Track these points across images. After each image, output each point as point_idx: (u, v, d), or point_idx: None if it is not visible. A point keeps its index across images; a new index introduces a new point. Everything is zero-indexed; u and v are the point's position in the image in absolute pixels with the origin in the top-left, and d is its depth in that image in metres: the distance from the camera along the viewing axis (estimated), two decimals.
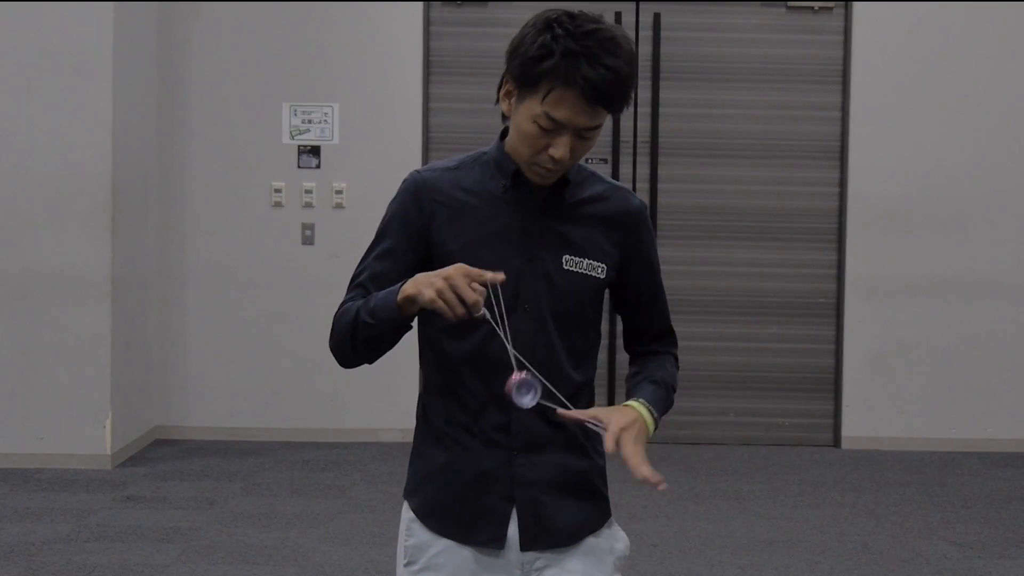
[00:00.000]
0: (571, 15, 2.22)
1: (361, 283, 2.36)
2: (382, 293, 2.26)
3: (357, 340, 2.29)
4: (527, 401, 2.18)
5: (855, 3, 7.71)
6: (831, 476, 7.06)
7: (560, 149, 2.23)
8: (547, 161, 2.26)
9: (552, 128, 2.23)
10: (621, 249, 2.41)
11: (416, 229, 2.35)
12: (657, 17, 7.77)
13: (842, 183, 7.81)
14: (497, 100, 2.33)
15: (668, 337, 2.54)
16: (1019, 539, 5.87)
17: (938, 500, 6.56)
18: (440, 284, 2.11)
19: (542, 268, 2.33)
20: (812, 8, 7.80)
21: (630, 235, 2.42)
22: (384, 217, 2.40)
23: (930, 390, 7.76)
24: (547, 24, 2.22)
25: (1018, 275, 7.73)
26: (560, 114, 2.21)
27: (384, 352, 2.33)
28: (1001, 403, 7.75)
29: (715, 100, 7.84)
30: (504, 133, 2.39)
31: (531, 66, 2.21)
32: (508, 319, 2.23)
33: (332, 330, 2.34)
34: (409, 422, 8.46)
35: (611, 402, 7.79)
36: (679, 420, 7.85)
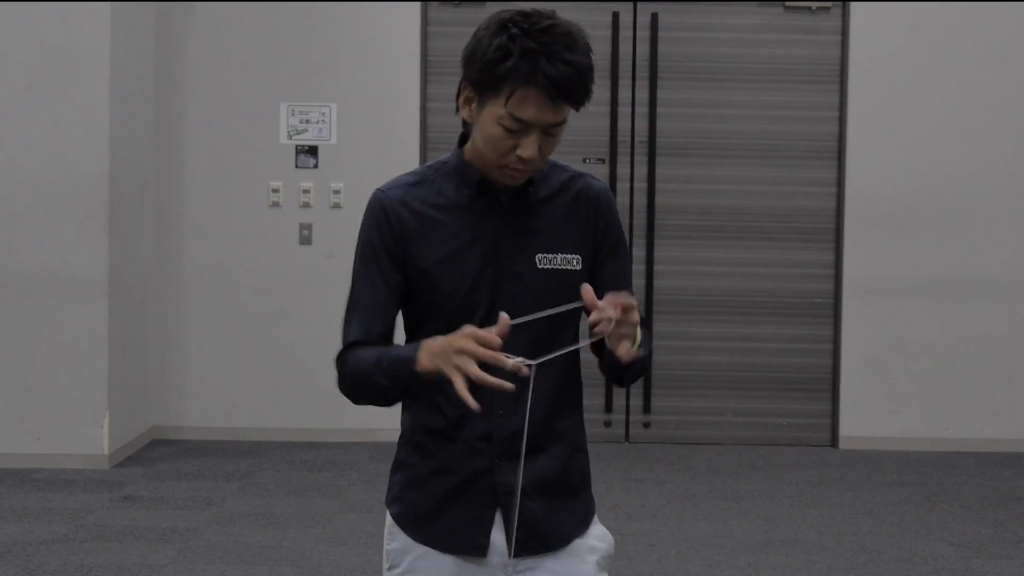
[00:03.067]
0: (524, 14, 2.21)
1: (361, 328, 2.33)
2: (395, 357, 2.22)
3: (376, 397, 2.30)
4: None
5: (852, 3, 7.71)
6: (829, 476, 7.06)
7: (528, 149, 2.22)
8: (516, 162, 2.24)
9: (518, 129, 2.21)
10: (592, 234, 2.38)
11: (392, 252, 2.33)
12: (655, 17, 7.77)
13: (839, 183, 7.81)
14: (457, 109, 2.30)
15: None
16: (1016, 539, 5.87)
17: (936, 500, 6.56)
18: (465, 366, 2.05)
19: (515, 272, 2.32)
20: (810, 8, 7.80)
21: (600, 220, 2.39)
22: (358, 246, 2.37)
23: (928, 390, 7.76)
24: (502, 25, 2.20)
25: (1015, 275, 7.73)
26: (525, 113, 2.19)
27: (403, 400, 2.36)
28: (998, 403, 7.75)
29: (713, 100, 7.83)
30: (462, 139, 2.37)
31: (490, 69, 2.19)
32: (484, 327, 2.17)
33: (344, 381, 2.33)
34: None
35: (609, 396, 7.79)
36: (677, 420, 7.86)
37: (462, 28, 7.76)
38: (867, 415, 7.75)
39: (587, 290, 2.13)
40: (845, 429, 7.75)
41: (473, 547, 2.35)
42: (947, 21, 7.69)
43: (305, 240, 7.73)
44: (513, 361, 2.06)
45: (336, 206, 7.70)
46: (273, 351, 7.73)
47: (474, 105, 2.26)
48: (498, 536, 2.35)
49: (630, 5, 7.78)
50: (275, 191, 7.71)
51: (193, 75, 7.72)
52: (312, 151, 7.73)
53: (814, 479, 6.99)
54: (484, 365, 2.05)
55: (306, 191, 7.71)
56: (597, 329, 2.12)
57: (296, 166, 7.73)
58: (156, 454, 7.35)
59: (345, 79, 7.71)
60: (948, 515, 6.26)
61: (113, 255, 6.90)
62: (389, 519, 2.44)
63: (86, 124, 6.80)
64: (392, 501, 2.44)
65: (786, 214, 7.85)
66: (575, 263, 2.35)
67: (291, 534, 5.76)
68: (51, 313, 6.86)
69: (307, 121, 7.72)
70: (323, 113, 7.71)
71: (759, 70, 7.83)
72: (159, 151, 7.69)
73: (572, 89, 2.18)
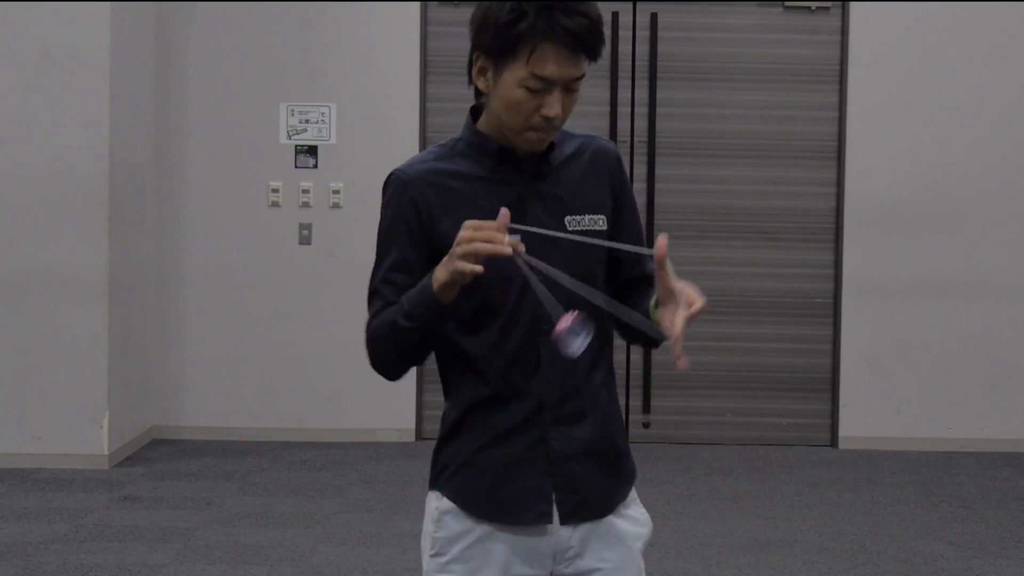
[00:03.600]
0: None
1: (383, 297, 2.35)
2: (412, 294, 2.25)
3: (403, 347, 2.30)
4: (576, 347, 2.11)
5: (852, 3, 7.71)
6: (828, 476, 7.06)
7: (553, 107, 2.22)
8: (541, 123, 2.25)
9: (541, 87, 2.22)
10: (611, 194, 2.41)
11: (417, 230, 2.33)
12: (654, 17, 7.77)
13: (839, 183, 7.81)
14: (470, 81, 2.31)
15: (648, 271, 2.48)
16: (1016, 539, 5.87)
17: (935, 500, 6.56)
18: (466, 249, 2.10)
19: (540, 237, 2.30)
20: (809, 8, 7.80)
21: (616, 179, 2.43)
22: (381, 226, 2.38)
23: (927, 390, 7.76)
24: None
25: (1015, 274, 7.73)
26: (547, 70, 2.20)
27: (431, 349, 2.34)
28: (998, 403, 7.75)
29: (712, 100, 7.84)
30: (475, 113, 2.38)
31: (506, 31, 2.21)
32: (522, 295, 2.26)
33: (370, 348, 2.34)
34: (406, 422, 8.51)
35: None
36: (676, 420, 7.86)
37: (462, 28, 7.73)
38: (867, 415, 7.75)
39: (662, 244, 2.11)
40: (845, 429, 7.75)
41: (539, 515, 2.34)
42: (947, 21, 7.69)
43: (305, 240, 7.73)
44: (509, 238, 2.11)
45: (336, 206, 7.70)
46: (273, 351, 7.73)
47: (490, 74, 2.27)
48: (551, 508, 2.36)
49: (630, 5, 7.78)
50: (275, 191, 7.71)
51: (193, 75, 7.72)
52: (312, 151, 7.73)
53: (813, 479, 6.99)
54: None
55: (306, 191, 7.71)
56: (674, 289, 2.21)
57: (296, 166, 7.73)
58: (156, 454, 7.35)
59: (345, 79, 7.72)
60: (948, 515, 6.26)
61: (113, 255, 6.90)
62: (439, 505, 2.39)
63: (86, 124, 6.80)
64: (442, 483, 2.40)
65: (786, 214, 7.85)
66: (601, 223, 2.37)
67: (291, 534, 5.76)
68: (51, 313, 6.86)
69: (307, 121, 7.72)
70: (323, 113, 7.71)
71: (759, 70, 7.83)
72: (159, 151, 7.69)
73: (589, 40, 2.21)
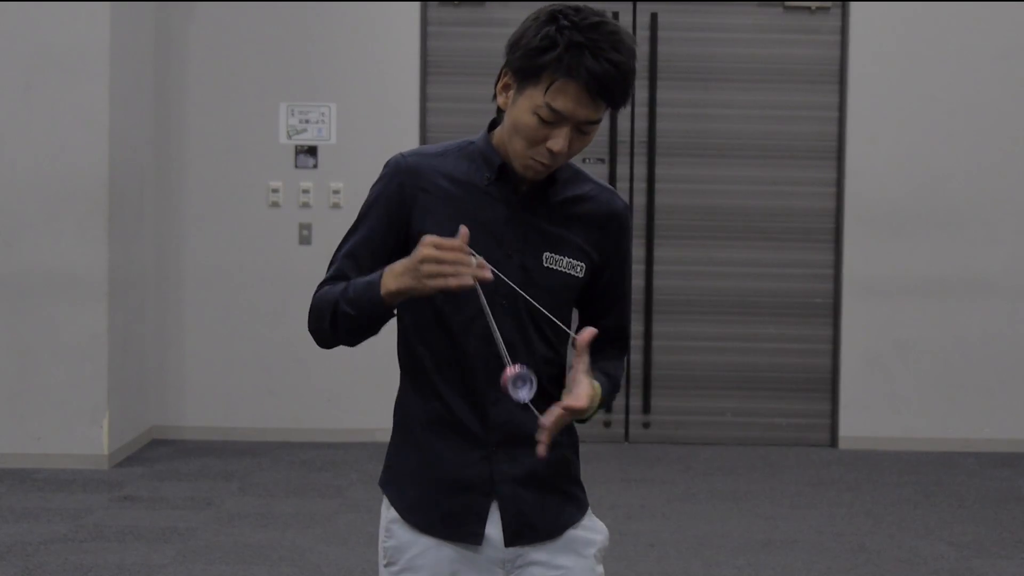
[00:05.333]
0: (576, 8, 2.23)
1: (340, 268, 2.35)
2: (361, 283, 2.24)
3: (339, 329, 2.30)
4: (523, 395, 2.15)
5: (852, 3, 7.71)
6: (828, 476, 7.06)
7: (559, 142, 2.22)
8: (544, 155, 2.25)
9: (553, 120, 2.21)
10: (600, 251, 2.40)
11: (397, 215, 2.33)
12: (654, 17, 7.77)
13: (839, 183, 7.81)
14: (495, 95, 2.32)
15: (622, 340, 2.52)
16: (1016, 539, 5.87)
17: (935, 500, 6.56)
18: (428, 268, 2.09)
19: (521, 263, 2.32)
20: (809, 8, 7.80)
21: (610, 238, 2.41)
22: (367, 198, 2.39)
23: (927, 390, 7.76)
24: (551, 16, 2.22)
25: (1015, 275, 7.73)
26: (562, 105, 2.20)
27: (367, 338, 2.33)
28: (998, 403, 7.75)
29: (712, 100, 7.84)
30: (492, 125, 2.38)
31: (533, 57, 2.21)
32: (471, 311, 2.26)
33: (311, 314, 2.33)
34: None
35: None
36: (676, 420, 7.86)
37: (462, 28, 7.78)
38: (867, 415, 7.75)
39: (584, 337, 2.19)
40: (845, 429, 7.75)
41: (469, 534, 2.35)
42: (947, 21, 7.69)
43: (305, 240, 7.73)
44: (478, 259, 2.10)
45: (336, 206, 7.70)
46: (273, 351, 7.73)
47: (511, 92, 2.27)
48: (494, 527, 2.36)
49: (629, 5, 7.77)
50: (275, 191, 7.71)
51: (193, 75, 7.72)
52: (312, 151, 7.73)
53: (813, 479, 6.98)
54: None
55: (306, 191, 7.71)
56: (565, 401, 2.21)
57: (296, 166, 7.73)
58: (155, 454, 7.35)
59: (345, 79, 7.71)
60: (948, 515, 6.26)
61: (112, 255, 6.90)
62: (387, 515, 2.43)
63: (85, 124, 6.80)
64: (387, 484, 2.44)
65: (786, 214, 7.85)
66: (579, 270, 2.37)
67: (290, 534, 5.76)
68: (50, 313, 6.86)
69: (307, 121, 7.72)
70: (323, 113, 7.71)
71: (759, 70, 7.83)
72: (159, 151, 7.69)
73: (612, 88, 2.20)
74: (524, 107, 2.23)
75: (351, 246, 2.37)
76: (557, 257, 2.35)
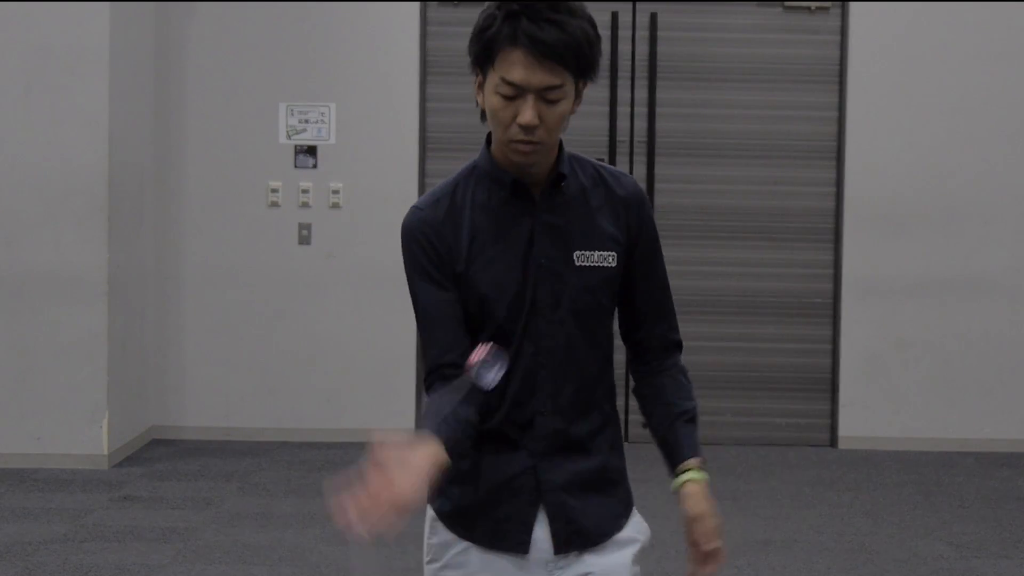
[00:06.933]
0: None
1: (437, 343, 2.30)
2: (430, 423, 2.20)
3: None
4: (490, 379, 2.14)
5: (851, 3, 7.71)
6: (828, 476, 7.06)
7: (526, 113, 2.19)
8: (518, 132, 2.22)
9: (512, 94, 2.20)
10: (626, 230, 2.37)
11: (439, 266, 2.31)
12: (654, 17, 7.77)
13: (839, 183, 7.81)
14: (476, 103, 2.31)
15: (673, 334, 2.50)
16: (1016, 539, 5.87)
17: (935, 500, 6.56)
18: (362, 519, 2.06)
19: (555, 271, 2.31)
20: (809, 8, 7.80)
21: (632, 215, 2.39)
22: (407, 270, 2.35)
23: (927, 390, 7.76)
24: (495, 2, 2.23)
25: (1014, 274, 7.73)
26: (513, 75, 2.18)
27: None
28: (998, 403, 7.75)
29: (712, 100, 7.83)
30: (489, 140, 2.37)
31: (480, 39, 2.22)
32: (528, 327, 2.27)
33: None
34: (406, 422, 8.48)
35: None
36: None
37: (461, 28, 7.77)
38: (866, 415, 7.75)
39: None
40: (844, 429, 7.75)
41: (516, 544, 2.36)
42: (947, 21, 7.69)
43: (304, 240, 7.72)
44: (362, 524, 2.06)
45: (335, 206, 7.70)
46: (272, 351, 7.73)
47: (482, 88, 2.27)
48: (541, 533, 2.36)
49: (629, 5, 7.77)
50: (274, 191, 7.71)
51: (192, 75, 7.72)
52: (311, 151, 7.73)
53: (813, 479, 6.98)
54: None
55: (305, 191, 7.70)
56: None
57: (295, 166, 7.72)
58: (155, 454, 7.35)
59: (344, 79, 7.71)
60: (947, 515, 6.26)
61: (112, 255, 6.89)
62: (431, 513, 2.43)
63: (85, 124, 6.80)
64: (435, 496, 2.43)
65: (785, 214, 7.85)
66: (611, 259, 2.35)
67: (290, 534, 5.75)
68: (50, 313, 6.85)
69: (306, 121, 7.72)
70: (322, 113, 7.71)
71: (758, 70, 7.83)
72: (158, 151, 7.68)
73: (557, 48, 2.17)
74: (488, 91, 2.23)
75: (433, 322, 2.31)
76: (587, 253, 2.33)
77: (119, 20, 6.95)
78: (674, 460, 2.50)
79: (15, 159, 6.83)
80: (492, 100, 2.23)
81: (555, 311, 2.30)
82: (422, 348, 2.35)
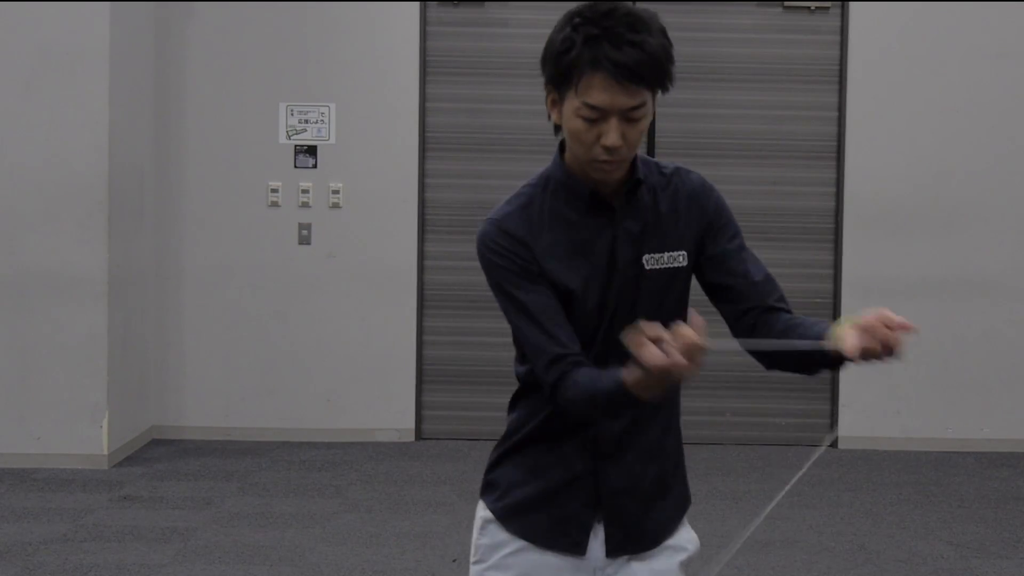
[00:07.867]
0: (589, 5, 2.22)
1: (563, 355, 2.26)
2: (605, 388, 2.18)
3: (611, 413, 2.31)
4: None
5: (851, 3, 7.71)
6: (828, 476, 7.06)
7: (611, 136, 2.19)
8: (602, 153, 2.22)
9: (596, 117, 2.19)
10: (697, 225, 2.37)
11: (529, 269, 2.29)
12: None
13: (839, 183, 7.81)
14: (549, 116, 2.30)
15: (778, 291, 2.56)
16: (1016, 539, 5.87)
17: (935, 500, 6.56)
18: (677, 370, 2.16)
19: (627, 276, 2.31)
20: (808, 8, 7.80)
21: (698, 208, 2.37)
22: (494, 282, 2.31)
23: (927, 390, 7.76)
24: (567, 18, 2.22)
25: (1014, 275, 7.73)
26: (596, 99, 2.18)
27: None
28: (998, 403, 7.75)
29: (712, 100, 7.83)
30: (562, 147, 2.35)
31: (559, 62, 2.21)
32: (608, 333, 2.28)
33: (568, 404, 2.26)
34: (406, 422, 8.47)
35: None
36: None
37: (461, 28, 7.78)
38: (866, 415, 7.75)
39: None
40: (844, 429, 7.75)
41: (574, 544, 2.37)
42: (947, 21, 7.69)
43: (304, 240, 7.72)
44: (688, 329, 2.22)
45: (335, 206, 7.70)
46: (272, 351, 7.73)
47: (558, 105, 2.26)
48: (595, 536, 2.38)
49: (629, 5, 7.75)
50: (274, 191, 7.71)
51: (192, 75, 7.72)
52: (311, 151, 7.73)
53: (813, 479, 6.98)
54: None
55: (305, 191, 7.70)
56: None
57: (295, 166, 7.73)
58: (155, 454, 7.35)
59: (344, 79, 7.71)
60: (947, 515, 6.26)
61: (112, 255, 6.90)
62: (484, 512, 2.43)
63: (85, 124, 6.80)
64: (489, 492, 2.44)
65: (785, 214, 7.85)
66: (680, 259, 2.37)
67: (290, 534, 5.75)
68: (50, 313, 6.85)
69: (306, 121, 7.72)
70: (322, 113, 7.71)
71: (758, 70, 7.83)
72: (158, 151, 7.69)
73: (638, 69, 2.17)
74: (569, 113, 2.22)
75: (544, 321, 2.28)
76: (656, 255, 2.34)
77: (119, 20, 6.96)
78: (821, 327, 2.51)
79: (15, 159, 6.83)
80: (574, 123, 2.22)
81: (632, 316, 2.29)
82: (530, 350, 2.29)
